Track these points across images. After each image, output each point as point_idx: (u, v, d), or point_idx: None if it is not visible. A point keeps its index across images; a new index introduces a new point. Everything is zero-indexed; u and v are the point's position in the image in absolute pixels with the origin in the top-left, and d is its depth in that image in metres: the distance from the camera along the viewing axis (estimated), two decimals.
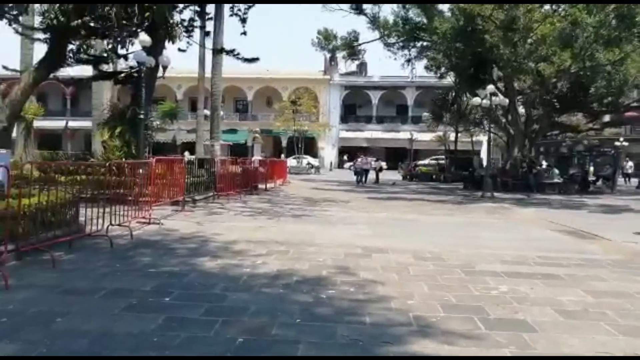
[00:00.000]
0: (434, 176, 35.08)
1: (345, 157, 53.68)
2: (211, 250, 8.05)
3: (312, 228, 10.78)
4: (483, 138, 50.11)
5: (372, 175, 30.56)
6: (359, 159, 29.82)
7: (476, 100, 22.48)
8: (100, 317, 4.74)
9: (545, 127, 28.81)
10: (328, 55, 52.13)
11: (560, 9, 18.84)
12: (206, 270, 6.69)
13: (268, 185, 22.28)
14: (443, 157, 39.92)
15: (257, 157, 28.66)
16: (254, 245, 8.48)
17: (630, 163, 35.38)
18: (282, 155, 46.68)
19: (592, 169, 31.85)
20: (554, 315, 5.25)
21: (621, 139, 48.19)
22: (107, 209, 8.82)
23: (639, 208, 17.87)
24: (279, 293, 5.74)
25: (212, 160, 18.19)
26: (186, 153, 41.39)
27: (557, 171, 27.27)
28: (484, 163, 40.22)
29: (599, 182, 27.01)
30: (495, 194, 21.88)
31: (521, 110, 29.42)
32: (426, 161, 41.61)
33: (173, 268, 6.76)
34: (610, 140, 48.11)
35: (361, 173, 28.45)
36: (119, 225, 9.03)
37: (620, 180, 32.15)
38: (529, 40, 20.85)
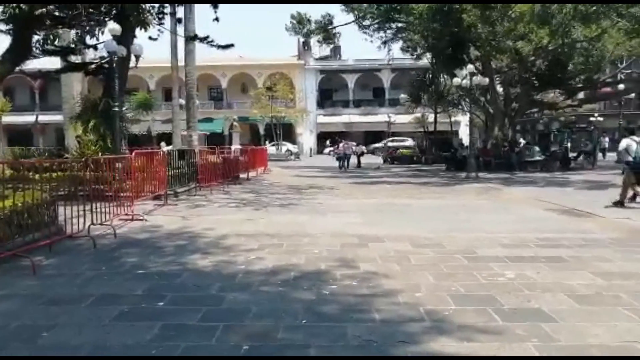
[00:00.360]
0: (414, 158, 34.94)
1: (327, 142, 53.09)
2: (201, 246, 7.68)
3: (302, 218, 10.45)
4: (461, 118, 50.37)
5: (353, 159, 30.29)
6: (341, 144, 29.48)
7: (456, 80, 22.29)
8: (90, 328, 4.37)
9: (525, 105, 28.81)
10: (302, 40, 51.58)
11: None
12: (199, 269, 6.33)
13: (250, 174, 21.85)
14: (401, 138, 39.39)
15: (236, 145, 28.14)
16: (245, 239, 8.13)
17: (607, 138, 35.73)
18: (267, 143, 45.97)
19: (569, 145, 32.11)
20: (569, 301, 5.03)
21: (596, 114, 48.82)
22: (87, 207, 8.37)
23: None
24: (278, 291, 5.41)
25: (192, 151, 17.68)
26: (162, 144, 40.55)
27: (537, 149, 27.32)
28: (464, 143, 40.40)
29: (580, 158, 27.16)
30: (479, 174, 21.82)
31: (499, 89, 29.35)
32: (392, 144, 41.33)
33: (163, 268, 6.39)
34: (585, 117, 48.73)
35: (343, 158, 28.15)
36: (101, 224, 8.60)
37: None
38: (507, 19, 20.64)
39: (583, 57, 24.43)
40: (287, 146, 47.63)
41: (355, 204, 12.97)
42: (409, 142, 45.40)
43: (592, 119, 49.00)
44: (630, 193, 11.95)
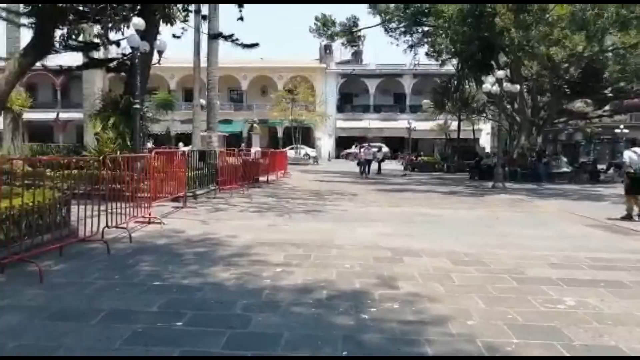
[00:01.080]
0: (436, 165, 34.17)
1: (354, 146, 51.94)
2: (222, 255, 7.09)
3: (328, 226, 9.83)
4: (483, 126, 49.49)
5: (374, 165, 29.60)
6: (362, 149, 28.81)
7: (486, 87, 21.55)
8: (98, 352, 3.78)
9: (554, 114, 27.93)
10: (324, 43, 51.08)
11: None
12: (221, 283, 5.73)
13: (269, 178, 21.30)
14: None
15: (257, 148, 27.64)
16: (269, 249, 7.53)
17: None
18: (291, 146, 45.22)
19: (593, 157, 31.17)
20: None
21: (621, 126, 47.57)
22: (102, 208, 7.84)
23: None
24: (311, 313, 4.79)
25: (212, 152, 17.16)
26: (180, 144, 40.26)
27: (565, 160, 26.43)
28: (490, 152, 39.53)
29: (610, 171, 26.18)
30: (506, 185, 21.05)
31: (526, 97, 28.50)
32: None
33: (182, 280, 5.80)
34: (610, 128, 47.52)
35: (364, 164, 27.46)
36: (116, 227, 8.06)
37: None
38: (543, 22, 19.87)
39: (620, 65, 23.54)
40: (306, 150, 47.07)
41: (383, 213, 12.32)
42: (384, 148, 44.37)
43: (617, 130, 47.83)
44: (636, 209, 11.76)
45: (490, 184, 21.57)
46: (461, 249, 7.90)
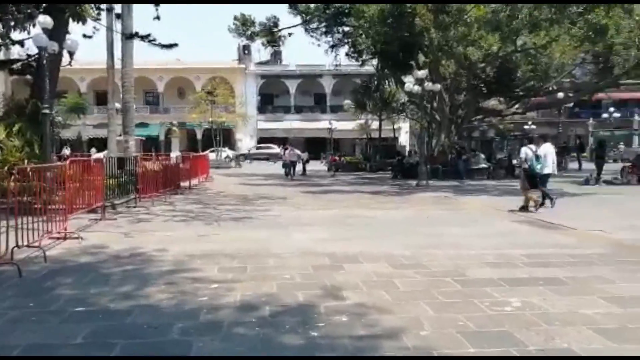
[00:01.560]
0: (360, 165, 34.49)
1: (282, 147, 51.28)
2: (151, 273, 6.55)
3: (261, 233, 9.45)
4: (402, 125, 50.63)
5: (299, 167, 29.41)
6: (287, 151, 28.52)
7: (408, 86, 21.89)
8: None
9: (471, 112, 28.89)
10: (242, 43, 50.33)
11: None
12: (153, 304, 5.24)
13: (192, 183, 20.54)
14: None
15: (176, 152, 26.64)
16: (202, 262, 7.07)
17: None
18: (213, 150, 44.07)
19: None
20: (598, 338, 4.33)
21: (530, 122, 50.20)
22: (11, 223, 7.02)
23: (572, 191, 17.93)
24: (256, 334, 4.43)
25: (131, 158, 16.24)
26: (93, 150, 38.28)
27: (483, 156, 27.39)
28: (409, 150, 40.39)
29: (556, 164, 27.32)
30: (429, 182, 21.46)
31: (444, 95, 29.29)
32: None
33: (108, 304, 5.25)
34: (521, 124, 50.04)
35: (289, 165, 27.19)
36: (28, 245, 7.28)
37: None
38: (462, 23, 20.43)
39: (531, 65, 24.73)
40: (227, 152, 46.18)
41: (315, 216, 12.09)
42: (275, 149, 44.74)
43: (526, 127, 50.45)
44: (532, 200, 12.68)
45: (413, 182, 21.93)
46: (399, 251, 7.79)
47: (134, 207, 13.57)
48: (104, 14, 19.19)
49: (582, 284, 6.01)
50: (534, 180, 12.82)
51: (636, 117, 48.74)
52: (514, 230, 9.95)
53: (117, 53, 22.46)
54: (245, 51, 56.57)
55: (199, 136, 53.16)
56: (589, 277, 6.34)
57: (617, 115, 48.41)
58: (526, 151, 13.01)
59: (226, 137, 51.67)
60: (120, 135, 23.42)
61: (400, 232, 9.59)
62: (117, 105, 25.16)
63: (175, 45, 17.47)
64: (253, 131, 56.50)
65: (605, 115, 48.92)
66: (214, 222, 11.06)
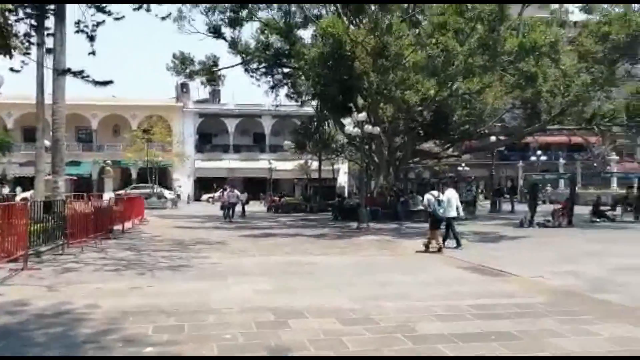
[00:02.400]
0: (300, 206, 34.24)
1: (216, 189, 49.99)
2: (79, 334, 5.92)
3: (199, 285, 8.91)
4: (341, 165, 51.06)
5: (238, 208, 28.78)
6: (226, 192, 27.90)
7: (348, 128, 22.03)
8: None
9: (409, 154, 29.42)
10: (180, 81, 49.75)
11: (433, 41, 19.05)
12: None
13: (125, 226, 19.61)
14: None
15: (109, 192, 25.49)
16: (134, 320, 6.51)
17: (474, 188, 37.37)
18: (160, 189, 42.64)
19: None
20: None
21: (463, 164, 51.85)
22: None
23: (508, 234, 18.32)
24: None
25: (60, 201, 15.25)
26: (18, 189, 36.23)
27: (420, 198, 27.70)
28: (348, 191, 40.61)
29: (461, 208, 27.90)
30: (370, 224, 21.41)
31: (383, 138, 29.75)
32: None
33: None
34: (454, 166, 51.58)
35: (228, 207, 26.54)
36: None
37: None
38: (401, 68, 20.89)
39: (466, 109, 25.59)
40: (163, 192, 44.85)
41: (256, 264, 11.63)
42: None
43: (460, 168, 52.06)
44: (434, 242, 13.56)
45: (354, 224, 21.82)
46: (346, 303, 7.50)
47: (61, 254, 12.63)
48: (34, 47, 18.36)
49: (534, 339, 5.89)
50: (438, 223, 13.79)
51: (561, 160, 51.25)
52: (459, 278, 9.87)
53: (48, 88, 21.49)
54: (183, 89, 55.95)
55: (134, 175, 51.57)
56: (540, 331, 6.23)
57: (544, 158, 50.76)
58: (428, 197, 14.00)
59: (162, 177, 50.39)
60: (49, 175, 22.19)
61: (346, 282, 9.30)
62: (47, 142, 23.95)
63: (111, 82, 16.85)
64: (190, 170, 55.42)
65: (533, 158, 51.18)
66: (149, 271, 10.39)
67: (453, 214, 14.15)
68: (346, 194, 42.14)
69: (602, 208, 25.00)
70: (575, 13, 27.71)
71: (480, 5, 18.18)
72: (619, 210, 24.76)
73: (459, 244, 14.11)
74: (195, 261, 11.78)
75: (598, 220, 23.43)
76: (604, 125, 27.43)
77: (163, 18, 18.37)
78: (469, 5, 19.18)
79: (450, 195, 14.22)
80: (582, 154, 49.18)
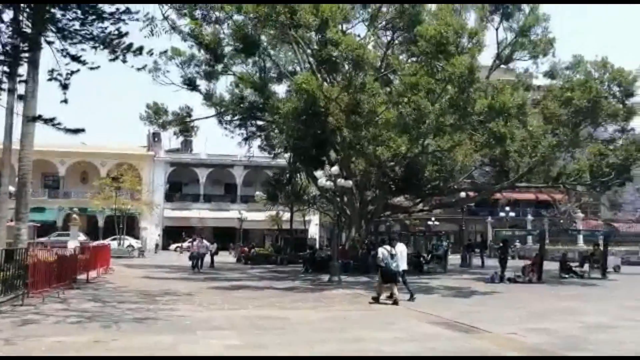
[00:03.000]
0: (270, 257, 33.77)
1: (184, 238, 49.03)
2: None
3: (167, 339, 8.59)
4: (312, 217, 50.97)
5: (207, 258, 28.24)
6: (195, 242, 27.40)
7: (321, 181, 22.11)
8: None
9: (380, 208, 29.54)
10: (152, 130, 49.61)
11: (405, 99, 19.53)
12: None
13: (90, 275, 18.99)
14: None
15: (75, 241, 24.79)
16: None
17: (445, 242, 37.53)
18: (115, 238, 41.61)
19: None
20: None
21: (433, 218, 52.34)
22: None
23: (479, 289, 18.34)
24: None
25: (22, 250, 14.72)
26: None
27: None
28: (325, 244, 40.34)
29: (431, 263, 28.00)
30: (341, 277, 21.19)
31: (355, 191, 29.90)
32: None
33: None
34: (424, 220, 52.01)
35: (197, 258, 26.03)
36: None
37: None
38: (373, 124, 21.24)
39: (437, 165, 25.99)
40: (130, 241, 43.87)
41: (225, 317, 11.31)
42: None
43: (430, 223, 52.51)
44: (384, 294, 14.27)
45: (325, 276, 21.57)
46: None
47: (21, 305, 12.10)
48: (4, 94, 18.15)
49: None
50: (390, 276, 14.21)
51: (529, 217, 52.21)
52: (433, 334, 9.74)
53: (17, 133, 21.13)
54: (155, 138, 55.73)
55: (100, 223, 50.47)
56: None
57: (512, 214, 51.63)
58: (382, 251, 14.36)
59: (130, 225, 49.42)
60: (11, 221, 21.53)
61: (319, 338, 9.08)
62: (11, 188, 23.38)
63: (82, 130, 16.60)
64: (159, 219, 54.56)
65: (502, 214, 52.01)
66: (114, 324, 10.00)
67: (404, 267, 14.88)
68: (317, 246, 41.77)
69: (570, 264, 25.35)
70: (540, 78, 28.87)
71: (451, 68, 18.76)
72: (586, 267, 25.14)
73: (412, 296, 14.62)
74: (163, 313, 11.42)
75: (567, 276, 23.71)
76: (570, 184, 28.16)
77: (138, 69, 18.38)
78: (440, 67, 19.78)
79: (402, 249, 14.85)
80: (549, 211, 50.21)
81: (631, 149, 25.09)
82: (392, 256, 14.15)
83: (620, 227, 48.82)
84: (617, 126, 26.25)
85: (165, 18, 23.02)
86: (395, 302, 13.75)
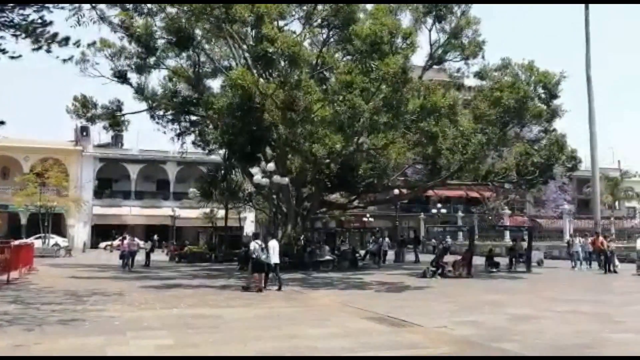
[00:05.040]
0: (205, 255, 33.22)
1: (115, 236, 47.36)
2: None
3: (95, 341, 8.26)
4: (248, 214, 50.56)
5: (139, 256, 27.43)
6: (126, 240, 26.55)
7: (257, 178, 21.95)
8: None
9: (316, 205, 29.68)
10: (80, 125, 47.65)
11: (340, 98, 19.69)
12: None
13: (11, 276, 18.02)
14: None
15: None
16: None
17: (387, 240, 38.12)
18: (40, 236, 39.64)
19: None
20: None
21: (368, 215, 53.17)
22: None
23: (412, 284, 18.77)
24: None
25: None
26: None
27: (327, 248, 27.94)
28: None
29: (367, 258, 28.43)
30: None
31: (291, 188, 29.89)
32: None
33: None
34: (360, 216, 52.75)
35: (128, 256, 25.23)
36: None
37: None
38: (309, 122, 21.29)
39: (371, 163, 26.38)
40: (56, 240, 41.98)
41: (157, 317, 11.01)
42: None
43: (365, 219, 53.31)
44: (256, 283, 16.08)
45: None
46: None
47: None
48: None
49: None
50: (259, 267, 16.09)
51: (460, 213, 53.92)
52: (366, 329, 9.87)
53: None
54: (83, 132, 53.55)
55: (23, 221, 47.97)
56: None
57: (443, 211, 53.15)
58: (254, 245, 16.18)
59: (56, 223, 47.28)
60: None
61: (253, 336, 9.00)
62: None
63: (2, 123, 15.75)
64: (87, 217, 52.47)
65: (434, 210, 53.44)
66: (37, 326, 9.51)
67: (276, 260, 16.55)
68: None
69: (496, 259, 26.41)
70: (471, 78, 29.82)
71: (385, 67, 19.08)
72: (506, 260, 26.36)
73: (280, 287, 16.33)
74: (91, 314, 10.99)
75: (494, 270, 24.68)
76: (498, 182, 29.27)
77: (64, 60, 17.53)
78: (374, 67, 20.06)
79: (273, 245, 16.69)
80: (478, 208, 52.03)
81: (553, 149, 26.33)
82: (263, 250, 15.93)
83: (543, 223, 51.29)
84: (542, 127, 27.53)
85: (94, 7, 22.10)
86: (260, 290, 15.69)
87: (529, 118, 25.40)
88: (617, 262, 24.57)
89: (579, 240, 27.35)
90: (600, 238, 25.90)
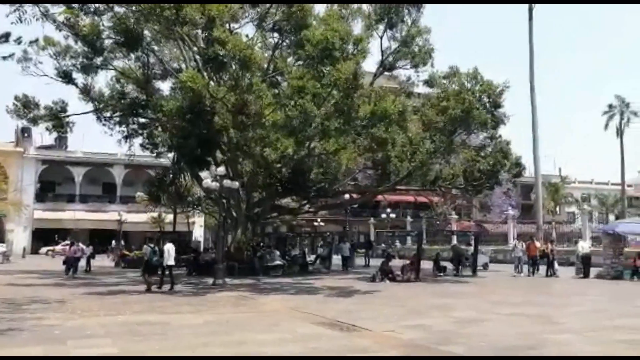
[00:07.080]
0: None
1: (57, 241, 45.56)
2: None
3: (33, 352, 7.93)
4: (197, 219, 49.86)
5: (82, 262, 26.58)
6: (72, 247, 25.67)
7: (206, 182, 21.62)
8: None
9: (267, 209, 29.52)
10: (21, 125, 45.89)
11: (291, 102, 19.66)
12: None
13: None
14: None
15: None
16: None
17: (348, 244, 38.04)
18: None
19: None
20: None
21: (319, 219, 53.34)
22: None
23: (361, 288, 18.93)
24: None
25: None
26: None
27: (278, 253, 27.83)
28: (204, 247, 39.46)
29: (317, 263, 28.45)
30: (226, 280, 20.90)
31: (241, 192, 29.62)
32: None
33: None
34: (311, 221, 52.84)
35: (72, 262, 24.39)
36: None
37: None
38: (260, 126, 21.16)
39: (322, 168, 26.48)
40: None
41: (101, 325, 10.66)
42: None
43: (315, 224, 53.47)
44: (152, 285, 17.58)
45: (210, 280, 21.15)
46: None
47: None
48: None
49: None
50: (150, 269, 18.03)
51: (408, 218, 54.82)
52: (316, 334, 9.86)
53: None
54: (24, 134, 51.62)
55: None
56: None
57: (393, 215, 53.92)
58: (147, 248, 18.46)
59: None
60: None
61: (200, 343, 8.85)
62: None
63: None
64: (28, 221, 50.49)
65: (383, 215, 54.12)
66: None
67: (171, 262, 18.06)
68: (202, 249, 40.83)
69: (443, 263, 26.96)
70: (420, 86, 30.36)
71: (337, 73, 19.20)
72: (451, 265, 26.99)
73: (172, 287, 17.71)
74: (29, 323, 10.53)
75: (441, 274, 25.18)
76: (445, 187, 29.85)
77: (4, 58, 16.81)
78: (326, 72, 20.15)
79: (169, 247, 18.07)
80: (427, 213, 53.00)
81: (498, 155, 27.07)
82: (154, 252, 17.87)
83: (489, 227, 52.74)
84: (487, 134, 28.29)
85: (36, 3, 21.35)
86: (149, 289, 17.24)
87: (474, 126, 26.02)
88: (556, 265, 25.47)
89: (521, 245, 28.14)
90: (548, 243, 26.94)
